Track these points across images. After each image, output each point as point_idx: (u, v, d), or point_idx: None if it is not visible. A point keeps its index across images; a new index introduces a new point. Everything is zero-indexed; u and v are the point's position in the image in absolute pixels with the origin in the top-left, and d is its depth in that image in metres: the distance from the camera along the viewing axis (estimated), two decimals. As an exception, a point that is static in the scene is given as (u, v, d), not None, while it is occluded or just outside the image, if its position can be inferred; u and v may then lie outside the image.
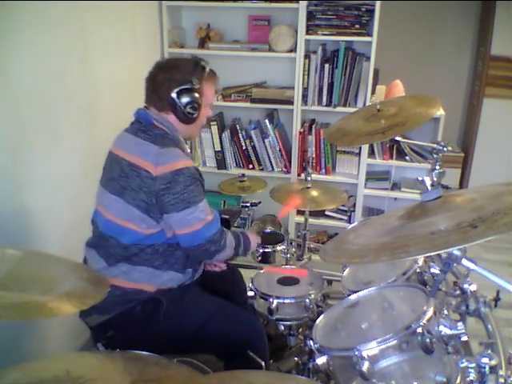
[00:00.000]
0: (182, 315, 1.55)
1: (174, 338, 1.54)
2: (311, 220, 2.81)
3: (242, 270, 1.98)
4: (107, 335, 1.54)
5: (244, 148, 3.04)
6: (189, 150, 1.66)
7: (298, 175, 2.98)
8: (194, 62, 1.55)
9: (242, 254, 1.70)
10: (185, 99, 1.49)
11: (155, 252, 1.53)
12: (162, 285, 1.56)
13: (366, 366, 1.04)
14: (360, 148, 2.90)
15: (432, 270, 1.36)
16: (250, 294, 1.76)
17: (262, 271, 1.91)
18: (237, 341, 1.55)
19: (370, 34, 2.68)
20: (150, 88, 1.55)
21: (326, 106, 2.86)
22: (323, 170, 3.00)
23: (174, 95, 1.49)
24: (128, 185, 1.47)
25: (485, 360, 0.99)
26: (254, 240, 1.77)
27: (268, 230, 2.25)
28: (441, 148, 1.87)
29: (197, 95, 1.51)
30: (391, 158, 2.90)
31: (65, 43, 1.96)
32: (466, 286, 1.21)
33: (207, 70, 1.56)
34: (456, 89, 3.94)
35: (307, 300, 1.68)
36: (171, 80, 1.50)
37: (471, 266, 0.99)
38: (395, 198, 2.98)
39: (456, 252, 0.99)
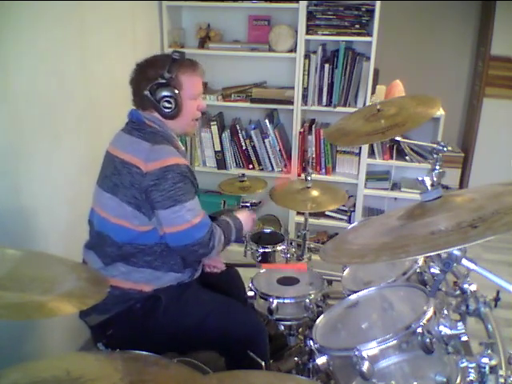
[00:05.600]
0: (182, 312, 1.55)
1: (174, 335, 1.55)
2: (311, 220, 2.81)
3: (240, 270, 1.98)
4: (107, 334, 1.54)
5: (244, 148, 3.04)
6: (183, 148, 1.65)
7: (298, 175, 2.98)
8: (165, 55, 1.55)
9: (235, 241, 1.68)
10: (158, 94, 1.48)
11: (153, 253, 1.53)
12: (162, 285, 1.56)
13: (365, 366, 1.04)
14: (360, 148, 2.90)
15: (432, 270, 1.36)
16: (250, 294, 1.76)
17: (261, 271, 1.91)
18: (236, 336, 1.55)
19: (370, 34, 2.68)
20: (132, 90, 1.57)
21: (326, 106, 2.86)
22: (323, 170, 3.00)
23: (146, 93, 1.49)
24: (120, 182, 1.48)
25: (485, 360, 0.99)
26: (248, 221, 1.74)
27: (268, 230, 2.25)
28: (441, 148, 1.87)
29: (171, 88, 1.49)
30: (391, 157, 2.90)
31: (65, 43, 1.96)
32: (465, 285, 1.22)
33: (179, 60, 1.51)
34: (456, 89, 3.94)
35: (307, 300, 1.68)
36: (145, 78, 1.51)
37: (471, 266, 0.99)
38: (395, 198, 2.98)
39: (456, 252, 0.99)
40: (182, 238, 1.48)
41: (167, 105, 1.49)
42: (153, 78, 1.49)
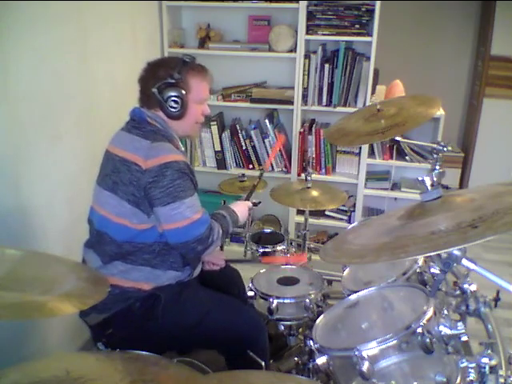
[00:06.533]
0: (181, 310, 1.56)
1: (174, 334, 1.55)
2: (311, 220, 2.81)
3: (240, 270, 1.98)
4: (107, 333, 1.54)
5: (244, 148, 3.04)
6: (183, 148, 1.65)
7: (298, 175, 2.98)
8: (177, 58, 1.57)
9: (233, 230, 1.69)
10: (166, 94, 1.50)
11: (152, 251, 1.53)
12: (161, 284, 1.56)
13: (365, 366, 1.04)
14: (360, 148, 2.90)
15: (432, 270, 1.36)
16: (250, 294, 1.76)
17: (262, 271, 1.91)
18: (236, 334, 1.56)
19: (370, 34, 2.68)
20: (140, 88, 1.58)
21: (325, 106, 2.86)
22: (323, 170, 3.00)
23: (155, 90, 1.50)
24: (120, 180, 1.48)
25: (485, 360, 0.99)
26: (243, 210, 1.75)
27: (268, 230, 2.25)
28: (441, 148, 1.87)
29: (179, 89, 1.51)
30: (391, 158, 2.90)
31: (65, 43, 1.96)
32: (466, 286, 1.22)
33: (190, 63, 1.54)
34: (456, 89, 3.94)
35: (307, 300, 1.68)
36: (154, 77, 1.52)
37: (471, 266, 0.99)
38: (395, 198, 2.98)
39: (456, 252, 0.99)
40: (181, 235, 1.48)
41: (173, 105, 1.51)
42: (162, 78, 1.50)
